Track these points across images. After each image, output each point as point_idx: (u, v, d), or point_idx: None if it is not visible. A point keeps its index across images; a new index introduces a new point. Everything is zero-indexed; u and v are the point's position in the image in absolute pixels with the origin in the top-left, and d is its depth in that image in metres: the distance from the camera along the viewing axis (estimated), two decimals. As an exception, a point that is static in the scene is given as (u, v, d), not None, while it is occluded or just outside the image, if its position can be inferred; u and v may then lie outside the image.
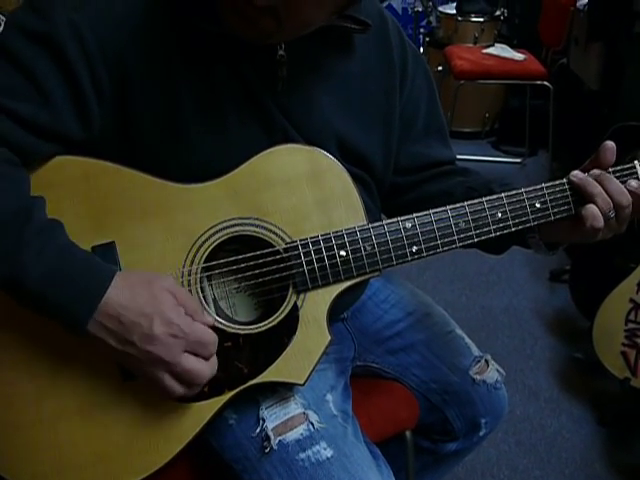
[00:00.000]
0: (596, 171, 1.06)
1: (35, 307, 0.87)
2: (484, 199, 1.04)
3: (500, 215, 1.04)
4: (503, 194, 1.04)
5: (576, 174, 1.06)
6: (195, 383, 0.91)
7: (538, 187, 1.06)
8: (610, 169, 1.06)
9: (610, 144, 1.05)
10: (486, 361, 1.31)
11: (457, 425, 1.31)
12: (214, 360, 0.93)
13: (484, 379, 1.29)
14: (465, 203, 1.03)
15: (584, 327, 2.38)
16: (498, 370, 1.32)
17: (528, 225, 1.06)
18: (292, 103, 1.03)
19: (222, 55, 0.98)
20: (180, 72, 0.96)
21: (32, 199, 0.89)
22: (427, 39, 4.65)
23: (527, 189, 1.05)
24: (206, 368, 0.91)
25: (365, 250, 1.00)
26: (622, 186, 1.04)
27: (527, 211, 1.05)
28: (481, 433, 1.33)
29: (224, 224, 0.97)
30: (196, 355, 0.90)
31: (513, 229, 1.05)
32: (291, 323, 0.99)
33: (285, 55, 0.99)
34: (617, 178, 1.05)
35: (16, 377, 0.93)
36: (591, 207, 1.02)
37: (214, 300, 1.01)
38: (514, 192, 1.05)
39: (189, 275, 0.97)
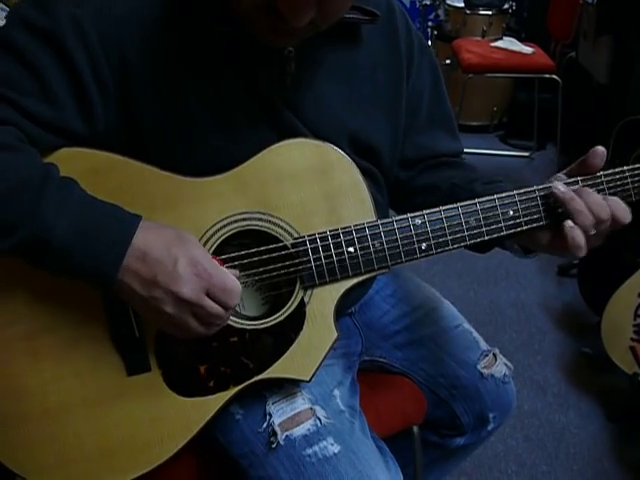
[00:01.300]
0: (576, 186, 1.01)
1: (62, 265, 0.86)
2: (495, 196, 1.01)
3: (512, 213, 1.02)
4: (514, 191, 1.02)
5: (558, 187, 0.99)
6: (216, 325, 0.91)
7: (547, 185, 1.02)
8: (601, 172, 1.02)
9: (601, 149, 1.01)
10: (494, 355, 1.30)
11: (465, 420, 1.30)
12: (230, 312, 0.92)
13: (492, 373, 1.28)
14: (476, 200, 1.01)
15: (592, 322, 2.38)
16: (506, 364, 1.31)
17: (540, 224, 1.02)
18: (301, 98, 1.03)
19: (228, 53, 0.97)
20: (185, 71, 0.96)
21: (45, 165, 0.88)
22: (435, 32, 4.63)
23: (538, 187, 1.02)
24: (226, 315, 0.91)
25: (374, 247, 0.99)
26: (602, 199, 0.98)
27: (539, 209, 1.02)
28: (489, 427, 1.32)
29: (232, 218, 0.97)
30: (217, 303, 0.88)
31: (525, 227, 1.02)
32: (298, 319, 0.99)
33: (293, 50, 0.98)
34: (606, 182, 1.02)
35: (22, 370, 0.94)
36: (570, 225, 0.96)
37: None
38: (527, 190, 1.02)
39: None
